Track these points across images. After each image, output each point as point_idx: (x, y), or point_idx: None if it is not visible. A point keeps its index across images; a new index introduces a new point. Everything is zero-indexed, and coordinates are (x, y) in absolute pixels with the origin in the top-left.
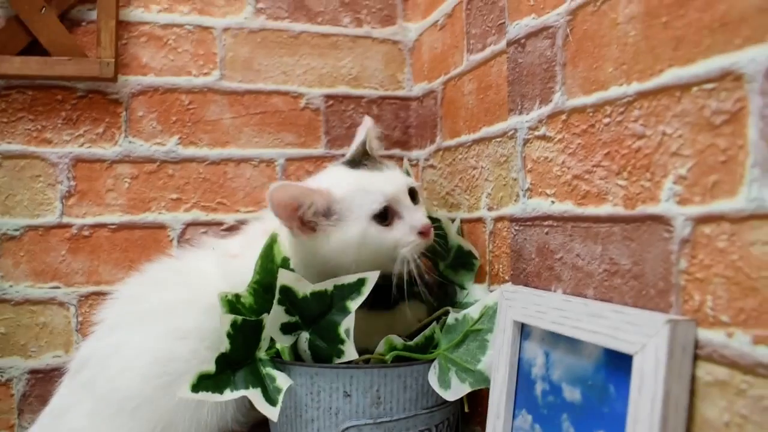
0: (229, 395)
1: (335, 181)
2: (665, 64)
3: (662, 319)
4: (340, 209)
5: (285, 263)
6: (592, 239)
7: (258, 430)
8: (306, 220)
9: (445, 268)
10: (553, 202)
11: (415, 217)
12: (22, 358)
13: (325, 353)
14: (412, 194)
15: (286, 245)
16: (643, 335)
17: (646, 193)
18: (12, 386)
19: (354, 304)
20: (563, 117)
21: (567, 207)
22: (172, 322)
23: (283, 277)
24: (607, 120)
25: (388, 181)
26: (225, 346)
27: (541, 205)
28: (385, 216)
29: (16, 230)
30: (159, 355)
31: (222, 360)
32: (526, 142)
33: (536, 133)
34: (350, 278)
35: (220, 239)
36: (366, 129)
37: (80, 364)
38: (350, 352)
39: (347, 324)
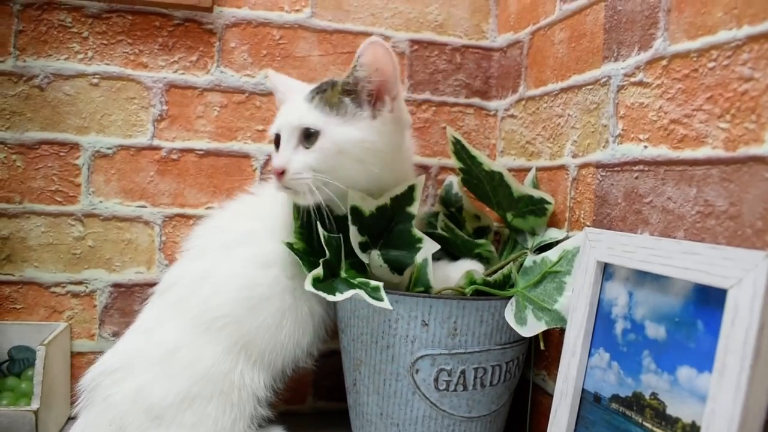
0: (341, 296)
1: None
2: None
3: (761, 254)
4: None
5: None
6: (686, 182)
7: (324, 360)
8: None
9: (513, 218)
10: (645, 146)
11: (277, 157)
12: (106, 271)
13: (403, 259)
14: (307, 136)
15: None
16: (740, 270)
17: (750, 135)
18: (95, 297)
19: (413, 209)
20: (663, 63)
21: (661, 151)
22: (256, 250)
23: (352, 198)
24: (712, 64)
25: (283, 115)
26: (325, 253)
27: (632, 150)
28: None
29: (109, 149)
30: (245, 281)
31: (326, 265)
32: (620, 88)
33: (632, 79)
34: (401, 188)
35: None
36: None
37: (167, 286)
38: (429, 245)
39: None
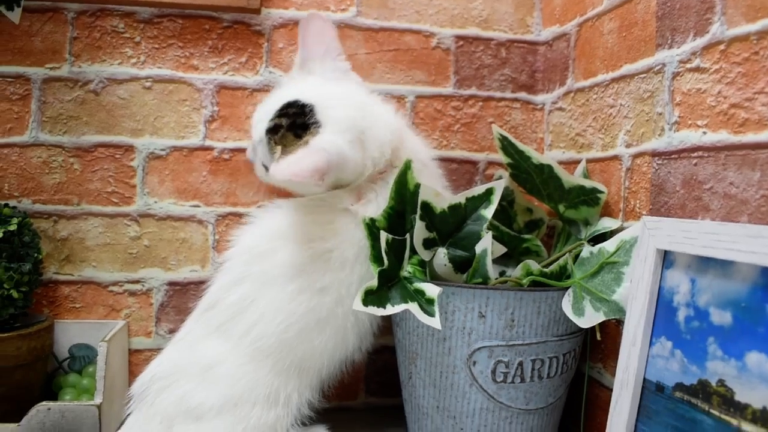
0: (391, 309)
1: None
2: None
3: None
4: None
5: (417, 189)
6: (749, 166)
7: (376, 356)
8: None
9: (565, 209)
10: (704, 132)
11: None
12: (162, 270)
13: (470, 260)
14: None
15: None
16: None
17: None
18: (152, 296)
19: (488, 212)
20: (721, 47)
21: (721, 136)
22: (307, 280)
23: (423, 193)
24: None
25: None
26: (384, 262)
27: (689, 137)
28: None
29: (163, 150)
30: (298, 311)
31: (382, 275)
32: (675, 75)
33: (688, 65)
34: (479, 189)
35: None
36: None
37: (209, 304)
38: (489, 241)
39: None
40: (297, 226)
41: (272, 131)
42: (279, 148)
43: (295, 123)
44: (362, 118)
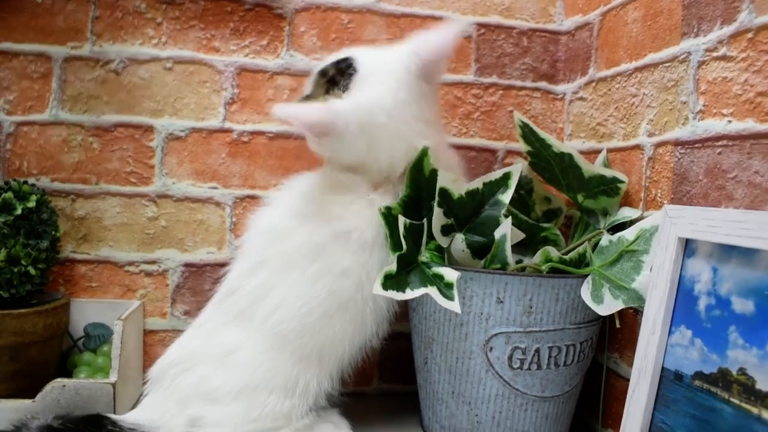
0: (411, 294)
1: None
2: None
3: None
4: None
5: (433, 176)
6: None
7: (390, 342)
8: None
9: (584, 199)
10: (729, 121)
11: None
12: (178, 251)
13: (488, 245)
14: None
15: None
16: None
17: None
18: (168, 277)
19: (506, 197)
20: (749, 35)
21: (747, 125)
22: (327, 262)
23: (441, 179)
24: None
25: None
26: (402, 247)
27: (714, 125)
28: None
29: (182, 131)
30: (321, 294)
31: (401, 259)
32: (701, 64)
33: (714, 54)
34: (496, 174)
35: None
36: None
37: (229, 291)
38: (515, 233)
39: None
40: (315, 205)
41: (322, 74)
42: (310, 87)
43: (334, 79)
44: (388, 121)
